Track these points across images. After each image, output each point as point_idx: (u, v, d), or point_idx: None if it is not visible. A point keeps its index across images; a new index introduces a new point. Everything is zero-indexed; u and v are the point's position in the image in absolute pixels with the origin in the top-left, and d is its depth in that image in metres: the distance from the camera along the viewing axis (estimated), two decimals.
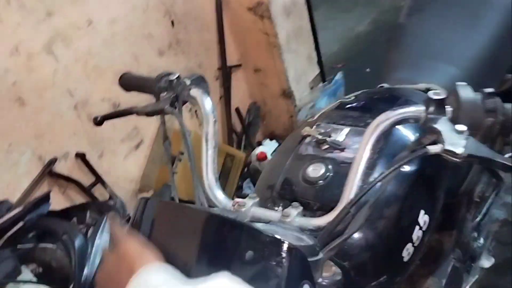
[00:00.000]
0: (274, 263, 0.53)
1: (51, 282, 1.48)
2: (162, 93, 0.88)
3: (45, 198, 1.55)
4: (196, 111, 2.19)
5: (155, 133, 2.11)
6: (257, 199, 0.78)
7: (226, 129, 2.44)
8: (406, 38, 1.37)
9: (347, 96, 1.08)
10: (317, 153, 0.88)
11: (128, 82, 0.99)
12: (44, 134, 1.66)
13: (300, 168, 0.87)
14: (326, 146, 0.88)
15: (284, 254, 0.53)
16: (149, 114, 0.88)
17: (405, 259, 0.83)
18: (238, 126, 2.52)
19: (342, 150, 0.86)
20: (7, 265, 1.39)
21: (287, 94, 2.47)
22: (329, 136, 0.89)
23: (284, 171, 0.89)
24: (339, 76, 2.76)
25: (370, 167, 0.78)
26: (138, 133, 2.03)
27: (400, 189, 0.82)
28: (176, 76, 0.88)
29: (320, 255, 0.59)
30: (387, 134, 0.87)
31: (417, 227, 0.84)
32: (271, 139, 2.56)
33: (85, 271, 1.45)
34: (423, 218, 0.85)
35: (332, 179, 0.83)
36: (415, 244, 0.84)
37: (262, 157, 2.34)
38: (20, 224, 1.50)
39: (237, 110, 2.51)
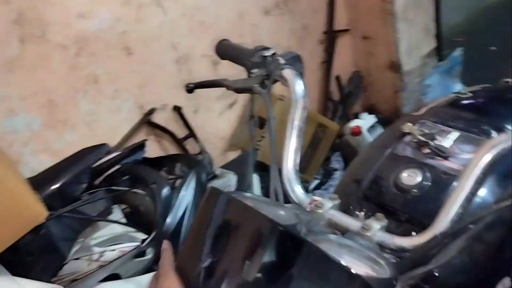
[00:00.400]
0: None
1: (137, 225, 1.59)
2: (254, 69, 0.83)
3: (141, 146, 1.64)
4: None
5: (249, 95, 2.09)
6: (338, 201, 0.72)
7: (322, 97, 2.34)
8: None
9: (463, 91, 0.94)
10: (416, 157, 0.78)
11: (224, 50, 0.95)
12: (146, 84, 1.72)
13: (394, 171, 0.78)
14: (428, 151, 0.78)
15: (350, 286, 0.47)
16: (238, 90, 0.85)
17: None
18: (336, 95, 2.40)
19: (446, 158, 0.75)
20: (100, 205, 1.50)
21: (395, 67, 2.28)
22: (434, 139, 0.78)
23: (375, 170, 0.81)
24: (457, 52, 2.48)
25: (475, 188, 0.67)
26: (233, 93, 2.01)
27: (508, 215, 0.70)
28: (272, 52, 0.82)
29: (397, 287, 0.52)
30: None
31: None
32: (369, 113, 2.41)
33: (168, 220, 1.52)
34: None
35: (429, 191, 0.73)
36: None
37: (356, 132, 2.22)
38: (117, 167, 1.60)
39: (338, 78, 2.38)
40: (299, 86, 0.78)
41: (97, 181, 1.60)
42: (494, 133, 0.77)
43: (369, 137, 2.28)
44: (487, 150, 0.58)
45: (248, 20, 1.92)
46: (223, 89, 2.09)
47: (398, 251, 0.61)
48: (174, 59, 1.76)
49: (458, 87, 2.59)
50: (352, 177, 0.86)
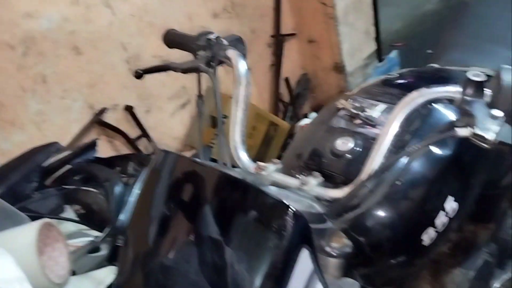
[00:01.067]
0: (275, 225, 0.53)
1: (91, 223, 1.58)
2: (199, 52, 0.89)
3: (93, 145, 1.64)
4: None
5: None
6: (280, 165, 0.79)
7: (273, 98, 2.43)
8: (467, 18, 1.29)
9: (392, 72, 1.04)
10: (348, 127, 0.86)
11: (171, 38, 1.00)
12: (96, 84, 1.74)
13: (329, 140, 0.86)
14: (359, 121, 0.86)
15: (285, 217, 0.53)
16: (185, 71, 0.90)
17: (425, 243, 0.80)
18: (286, 96, 2.50)
19: (374, 126, 0.84)
20: (52, 202, 1.49)
21: (339, 68, 2.41)
22: (363, 111, 0.86)
23: (314, 142, 0.89)
24: (393, 54, 2.65)
25: (400, 145, 0.76)
26: (186, 93, 2.07)
27: (428, 171, 0.79)
28: (215, 35, 0.89)
29: (328, 224, 0.59)
30: (424, 115, 0.84)
31: (442, 213, 0.81)
32: (317, 112, 2.52)
33: (121, 217, 1.53)
34: (450, 204, 0.82)
35: (359, 154, 0.81)
36: (438, 230, 0.81)
37: None
38: (68, 166, 1.60)
39: (287, 80, 2.48)
40: (242, 65, 0.84)
41: (47, 181, 1.59)
42: None
43: None
44: (403, 106, 0.66)
45: (197, 22, 1.98)
46: (175, 89, 2.14)
47: (332, 202, 0.68)
48: (124, 59, 1.79)
49: None
50: (295, 151, 0.93)
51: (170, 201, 0.61)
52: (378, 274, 0.85)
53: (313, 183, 0.71)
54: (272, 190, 0.65)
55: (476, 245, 1.24)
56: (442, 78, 0.97)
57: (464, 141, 0.85)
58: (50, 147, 1.55)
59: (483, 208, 1.16)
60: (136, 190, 1.65)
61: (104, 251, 1.53)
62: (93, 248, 1.49)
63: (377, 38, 2.52)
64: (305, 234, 0.54)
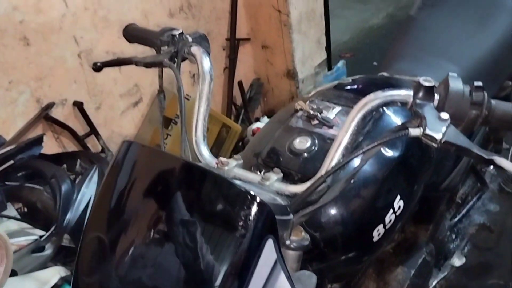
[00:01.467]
0: (242, 214, 0.55)
1: (35, 222, 1.52)
2: (163, 47, 0.90)
3: (38, 140, 1.58)
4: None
5: (155, 93, 2.12)
6: (241, 161, 0.81)
7: (226, 100, 2.45)
8: (413, 31, 1.38)
9: (346, 78, 1.09)
10: (306, 127, 0.90)
11: (132, 33, 1.00)
12: (45, 77, 1.67)
13: (288, 139, 0.89)
14: (316, 122, 0.90)
15: (251, 207, 0.55)
16: (148, 65, 0.90)
17: (375, 239, 0.85)
18: (238, 100, 2.53)
19: (331, 127, 0.88)
20: None
21: (291, 75, 2.48)
22: (321, 113, 0.90)
23: (272, 141, 0.91)
24: (341, 64, 2.76)
25: (354, 146, 0.80)
26: (138, 91, 2.04)
27: (380, 171, 0.84)
28: (179, 32, 0.89)
29: (290, 217, 0.62)
30: (376, 118, 0.90)
31: (391, 211, 0.86)
32: (269, 117, 2.57)
33: (68, 215, 1.48)
34: (398, 203, 0.88)
35: (316, 153, 0.85)
36: (387, 227, 0.86)
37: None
38: (10, 162, 1.52)
39: (240, 83, 2.51)
40: (206, 62, 0.86)
41: None
42: None
43: None
44: (360, 107, 0.70)
45: (152, 21, 1.96)
46: (128, 86, 2.10)
47: (292, 197, 0.71)
48: (75, 53, 1.73)
49: None
50: (253, 150, 0.95)
51: (136, 192, 0.61)
52: (330, 269, 0.88)
53: (274, 179, 0.74)
54: (236, 182, 0.66)
55: (416, 245, 1.32)
56: (391, 85, 1.02)
57: (411, 143, 0.92)
58: None
59: (424, 209, 1.25)
60: (84, 188, 1.61)
61: (48, 250, 1.47)
62: (37, 247, 1.43)
63: (328, 48, 2.62)
64: (270, 224, 0.56)
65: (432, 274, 1.38)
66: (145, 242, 0.57)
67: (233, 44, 2.39)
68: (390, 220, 0.87)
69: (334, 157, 0.70)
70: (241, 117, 2.53)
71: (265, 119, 2.55)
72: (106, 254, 0.60)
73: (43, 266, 1.45)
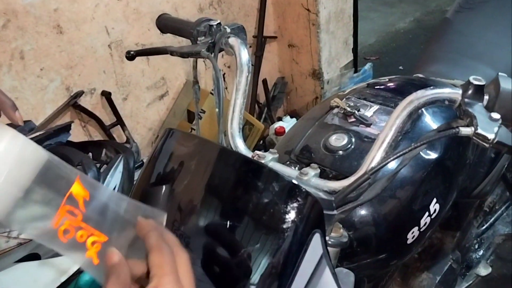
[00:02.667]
0: (291, 207, 0.54)
1: None
2: (200, 37, 0.89)
3: (66, 127, 1.59)
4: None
5: (181, 88, 2.13)
6: (277, 155, 0.80)
7: (250, 98, 2.44)
8: (450, 34, 1.35)
9: (381, 78, 1.08)
10: (343, 125, 0.89)
11: (166, 23, 0.99)
12: (75, 66, 1.69)
13: (323, 136, 0.87)
14: (353, 119, 0.89)
15: (302, 200, 0.54)
16: (184, 55, 0.89)
17: (409, 242, 0.83)
18: (262, 98, 2.52)
19: (368, 125, 0.87)
20: None
21: (317, 75, 2.46)
22: (358, 110, 0.89)
23: (306, 137, 0.90)
24: (368, 66, 2.73)
25: (393, 146, 0.78)
26: (165, 84, 2.05)
27: (418, 172, 0.82)
28: (217, 22, 0.89)
29: (335, 212, 0.60)
30: (414, 119, 0.88)
31: (426, 213, 0.84)
32: (291, 117, 2.56)
33: None
34: (434, 206, 0.86)
35: (353, 151, 0.84)
36: (421, 230, 0.84)
37: (280, 132, 2.34)
38: None
39: (264, 81, 2.50)
40: (244, 53, 0.85)
41: None
42: None
43: None
44: (406, 103, 0.69)
45: (182, 15, 1.97)
46: (155, 79, 2.11)
47: (331, 193, 0.70)
48: (106, 43, 1.75)
49: None
50: (286, 145, 0.94)
51: (181, 179, 0.60)
52: (360, 270, 0.87)
53: (311, 174, 0.73)
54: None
55: (442, 251, 1.29)
56: (429, 87, 1.01)
57: (450, 145, 0.90)
58: (25, 125, 1.49)
59: (453, 215, 1.22)
60: (109, 177, 1.62)
61: None
62: None
63: (355, 49, 2.59)
64: (318, 218, 0.55)
65: (457, 282, 1.35)
66: (188, 229, 0.56)
67: (260, 42, 2.38)
68: (425, 223, 0.85)
69: (377, 154, 0.69)
70: (263, 116, 2.52)
71: (288, 119, 2.53)
72: None
73: None
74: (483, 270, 1.46)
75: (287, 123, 2.48)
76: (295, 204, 0.55)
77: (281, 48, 2.51)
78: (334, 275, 0.58)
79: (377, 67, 2.92)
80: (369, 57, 3.26)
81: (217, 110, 0.84)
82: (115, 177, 1.58)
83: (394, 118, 0.68)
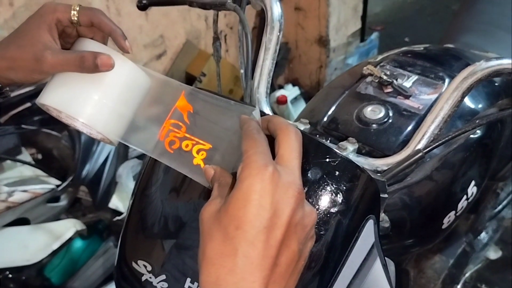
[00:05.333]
0: (345, 188, 0.46)
1: (49, 170, 1.43)
2: None
3: None
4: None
5: (180, 48, 2.00)
6: (309, 126, 0.71)
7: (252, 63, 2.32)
8: (482, 3, 1.25)
9: (414, 46, 0.98)
10: (378, 95, 0.79)
11: None
12: None
13: (356, 107, 0.78)
14: (389, 90, 0.79)
15: (357, 181, 0.46)
16: (206, 6, 0.78)
17: (444, 226, 0.77)
18: None
19: (407, 97, 0.78)
20: (9, 141, 1.33)
21: (323, 42, 2.34)
22: (396, 79, 0.80)
23: (336, 107, 0.81)
24: (374, 36, 2.63)
25: (451, 111, 0.70)
26: (163, 43, 1.92)
27: (461, 152, 0.75)
28: None
29: (386, 195, 0.52)
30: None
31: (464, 197, 0.78)
32: (293, 85, 2.45)
33: (87, 167, 1.39)
34: (472, 189, 0.79)
35: (391, 126, 0.75)
36: (457, 214, 0.78)
37: (282, 101, 2.24)
38: (28, 104, 1.43)
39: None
40: (276, 8, 0.75)
41: (2, 118, 1.41)
42: (448, 80, 0.81)
43: (291, 108, 2.32)
44: (466, 74, 0.60)
45: None
46: (153, 37, 1.97)
47: (373, 171, 0.61)
48: None
49: None
50: (309, 118, 0.85)
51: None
52: (389, 253, 0.80)
53: (350, 149, 0.64)
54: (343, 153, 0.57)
55: (456, 234, 1.24)
56: (468, 58, 0.92)
57: (492, 125, 0.82)
58: None
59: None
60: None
61: (64, 201, 1.39)
62: (53, 197, 1.35)
63: (363, 17, 2.47)
64: (374, 203, 0.47)
65: (467, 264, 1.31)
66: None
67: None
68: (462, 207, 0.78)
69: (428, 130, 0.60)
70: None
71: (290, 87, 2.43)
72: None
73: (56, 217, 1.38)
74: (494, 253, 1.42)
75: (289, 91, 2.38)
76: (349, 185, 0.46)
77: (286, 11, 2.37)
78: (385, 266, 0.51)
79: (382, 38, 2.81)
80: (374, 27, 3.13)
81: (241, 71, 0.74)
82: None
83: (451, 90, 0.59)
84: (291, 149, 0.41)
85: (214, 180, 0.44)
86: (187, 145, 0.49)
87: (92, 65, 0.49)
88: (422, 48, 0.95)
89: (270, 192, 0.37)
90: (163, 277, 0.50)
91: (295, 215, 0.38)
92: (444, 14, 3.27)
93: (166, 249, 0.51)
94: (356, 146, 0.66)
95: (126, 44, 0.58)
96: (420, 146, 0.58)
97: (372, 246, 0.48)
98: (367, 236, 0.47)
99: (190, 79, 2.02)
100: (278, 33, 0.73)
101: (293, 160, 0.40)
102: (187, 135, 0.49)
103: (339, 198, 0.45)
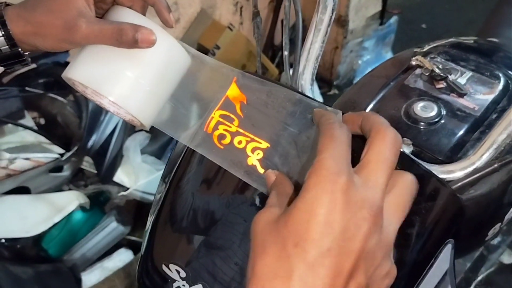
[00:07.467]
0: (425, 206, 0.39)
1: (51, 137, 1.36)
2: None
3: None
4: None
5: (194, 17, 1.90)
6: None
7: (267, 38, 2.23)
8: None
9: (462, 38, 0.91)
10: (429, 91, 0.72)
11: None
12: None
13: (404, 102, 0.71)
14: (442, 86, 0.72)
15: (440, 198, 0.40)
16: None
17: (487, 238, 0.71)
18: (278, 40, 2.30)
19: (462, 96, 0.71)
20: (12, 104, 1.24)
21: (341, 22, 2.24)
22: (450, 74, 0.73)
23: (380, 99, 0.74)
24: (393, 20, 2.53)
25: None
26: (177, 10, 1.81)
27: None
28: None
29: None
30: None
31: (511, 209, 0.72)
32: None
33: (94, 137, 1.32)
34: None
35: (443, 126, 0.68)
36: (502, 225, 0.72)
37: None
38: (33, 65, 1.34)
39: (282, 22, 2.28)
40: None
41: (4, 79, 1.32)
42: (503, 80, 0.74)
43: None
44: None
45: None
46: (168, 1, 1.87)
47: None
48: None
49: (389, 55, 2.66)
50: (346, 109, 0.78)
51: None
52: None
53: (406, 152, 0.58)
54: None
55: None
56: None
57: None
58: None
59: None
60: None
61: (67, 172, 1.32)
62: (55, 167, 1.29)
63: (384, 0, 2.37)
64: (455, 223, 0.41)
65: (482, 268, 1.27)
66: None
67: None
68: (508, 219, 0.73)
69: (498, 139, 0.53)
70: (277, 60, 2.32)
71: None
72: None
73: (58, 187, 1.31)
74: (507, 257, 1.38)
75: None
76: (430, 202, 0.40)
77: None
78: None
79: (398, 23, 2.71)
80: (390, 10, 3.02)
81: (285, 53, 0.67)
82: None
83: None
84: (380, 158, 0.34)
85: (273, 186, 0.38)
86: (240, 142, 0.43)
87: (132, 40, 0.43)
88: (472, 41, 0.88)
89: (341, 209, 0.31)
90: (199, 287, 0.44)
91: (367, 242, 0.31)
92: (462, 2, 3.16)
93: (206, 255, 0.44)
94: (411, 148, 0.59)
95: (171, 18, 0.52)
96: (487, 156, 0.52)
97: (445, 273, 0.42)
98: (443, 261, 0.41)
99: (202, 52, 1.93)
100: (331, 14, 0.65)
101: (378, 171, 0.33)
102: (240, 130, 0.44)
103: (417, 218, 0.39)
